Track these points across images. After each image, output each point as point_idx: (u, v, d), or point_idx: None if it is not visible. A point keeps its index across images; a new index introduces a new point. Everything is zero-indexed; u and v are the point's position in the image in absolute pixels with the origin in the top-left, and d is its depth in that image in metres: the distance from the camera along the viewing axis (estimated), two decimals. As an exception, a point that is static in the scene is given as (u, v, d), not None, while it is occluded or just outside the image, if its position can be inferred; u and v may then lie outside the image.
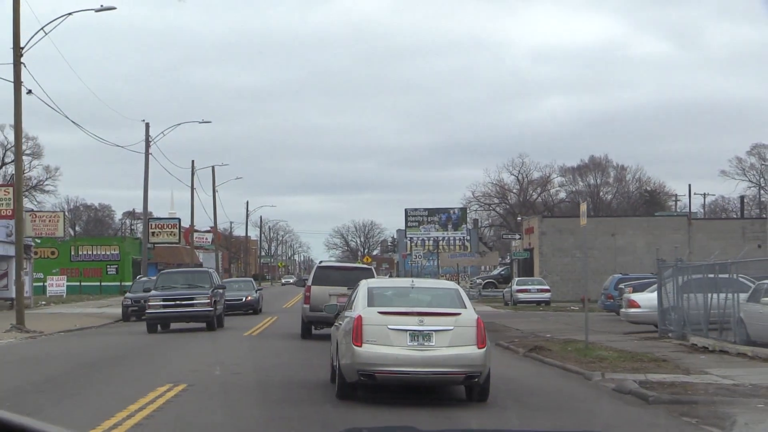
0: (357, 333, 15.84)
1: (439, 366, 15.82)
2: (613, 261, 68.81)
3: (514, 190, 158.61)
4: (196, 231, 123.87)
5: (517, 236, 64.46)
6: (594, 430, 7.24)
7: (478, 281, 78.85)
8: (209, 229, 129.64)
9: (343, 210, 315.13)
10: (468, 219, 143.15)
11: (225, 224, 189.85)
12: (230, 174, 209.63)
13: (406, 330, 15.87)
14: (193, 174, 78.22)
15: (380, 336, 15.84)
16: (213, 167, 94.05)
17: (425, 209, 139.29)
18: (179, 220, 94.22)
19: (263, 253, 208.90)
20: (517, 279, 60.84)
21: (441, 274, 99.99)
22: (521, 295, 58.77)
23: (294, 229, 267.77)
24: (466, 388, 16.54)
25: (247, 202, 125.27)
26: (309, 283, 32.15)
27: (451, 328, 15.99)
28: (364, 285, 17.88)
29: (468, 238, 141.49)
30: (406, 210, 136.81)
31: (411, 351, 15.77)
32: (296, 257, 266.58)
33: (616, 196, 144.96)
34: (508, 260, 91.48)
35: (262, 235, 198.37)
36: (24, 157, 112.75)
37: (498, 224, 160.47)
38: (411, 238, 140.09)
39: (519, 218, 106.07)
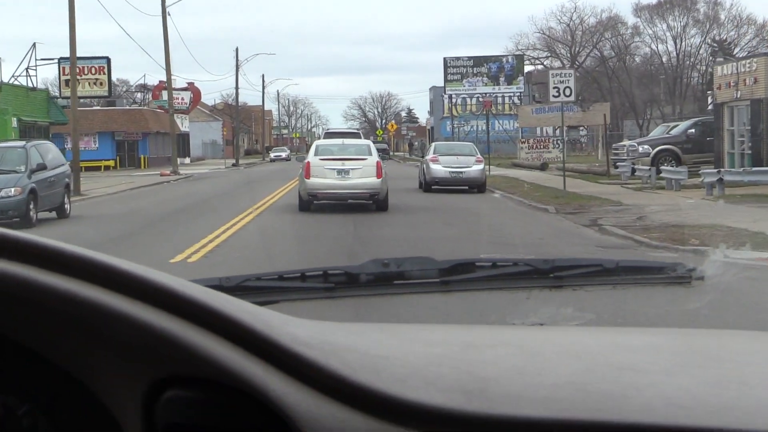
0: (307, 171, 23.50)
1: (354, 189, 23.33)
2: None
3: (566, 42, 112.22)
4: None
5: None
6: None
7: (641, 149, 34.62)
8: (186, 85, 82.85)
9: (359, 89, 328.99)
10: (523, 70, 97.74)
11: (229, 90, 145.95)
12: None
13: (335, 169, 23.44)
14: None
15: (320, 172, 23.36)
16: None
17: (469, 57, 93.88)
18: (108, 59, 49.18)
19: (276, 124, 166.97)
20: None
21: (521, 138, 55.63)
22: None
23: (311, 101, 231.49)
24: (374, 203, 23.51)
25: (237, 48, 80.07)
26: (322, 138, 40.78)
27: (361, 167, 23.41)
28: (314, 143, 27.24)
29: (525, 94, 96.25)
30: (445, 60, 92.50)
31: (337, 180, 23.38)
32: (315, 130, 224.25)
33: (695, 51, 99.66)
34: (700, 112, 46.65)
35: (279, 105, 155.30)
36: None
37: (542, 81, 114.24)
38: (451, 95, 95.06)
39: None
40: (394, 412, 1.25)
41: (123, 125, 77.71)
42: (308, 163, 23.64)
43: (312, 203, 23.39)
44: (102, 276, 1.31)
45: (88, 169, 73.60)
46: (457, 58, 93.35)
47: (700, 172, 26.66)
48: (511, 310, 2.77)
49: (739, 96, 31.97)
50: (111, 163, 75.87)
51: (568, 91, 24.74)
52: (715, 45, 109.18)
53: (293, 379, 1.27)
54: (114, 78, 64.85)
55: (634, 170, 32.68)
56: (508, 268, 2.86)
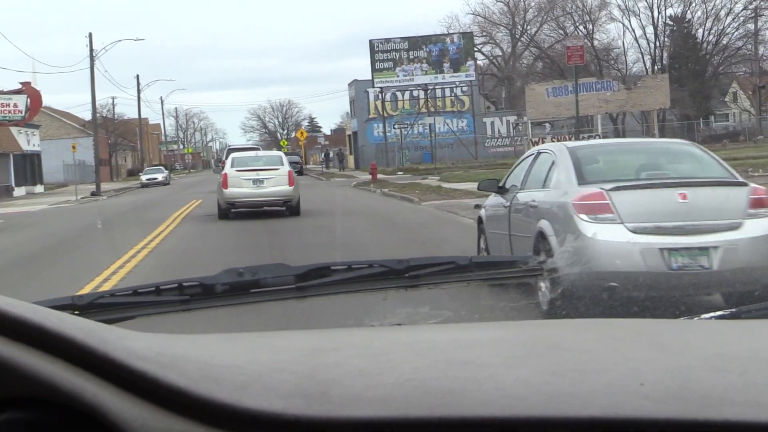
0: (225, 182, 25.19)
1: (268, 197, 25.14)
2: None
3: (505, 24, 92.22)
4: (-4, 92, 55.35)
5: None
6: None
7: None
8: (20, 87, 57.85)
9: (257, 102, 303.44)
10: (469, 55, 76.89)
11: (103, 101, 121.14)
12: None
13: (250, 179, 25.07)
14: None
15: (237, 182, 25.03)
16: None
17: (403, 38, 71.56)
18: None
19: (165, 138, 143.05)
20: None
21: (531, 138, 33.53)
22: None
23: (206, 113, 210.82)
24: (287, 209, 25.36)
25: (90, 34, 56.30)
26: (224, 159, 38.32)
27: (274, 176, 25.13)
28: (231, 155, 27.94)
29: (475, 83, 74.79)
30: (371, 43, 70.87)
31: (253, 189, 25.04)
32: (212, 144, 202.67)
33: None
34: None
35: (163, 111, 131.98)
36: None
37: (486, 72, 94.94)
38: (380, 89, 73.00)
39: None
40: (232, 420, 1.23)
41: None
42: (225, 174, 25.46)
43: (230, 211, 25.35)
44: None
45: None
46: (387, 40, 71.05)
47: None
48: (368, 313, 2.73)
49: None
50: None
51: None
52: (672, 24, 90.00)
53: (129, 394, 1.24)
54: None
55: None
56: (363, 270, 2.82)
